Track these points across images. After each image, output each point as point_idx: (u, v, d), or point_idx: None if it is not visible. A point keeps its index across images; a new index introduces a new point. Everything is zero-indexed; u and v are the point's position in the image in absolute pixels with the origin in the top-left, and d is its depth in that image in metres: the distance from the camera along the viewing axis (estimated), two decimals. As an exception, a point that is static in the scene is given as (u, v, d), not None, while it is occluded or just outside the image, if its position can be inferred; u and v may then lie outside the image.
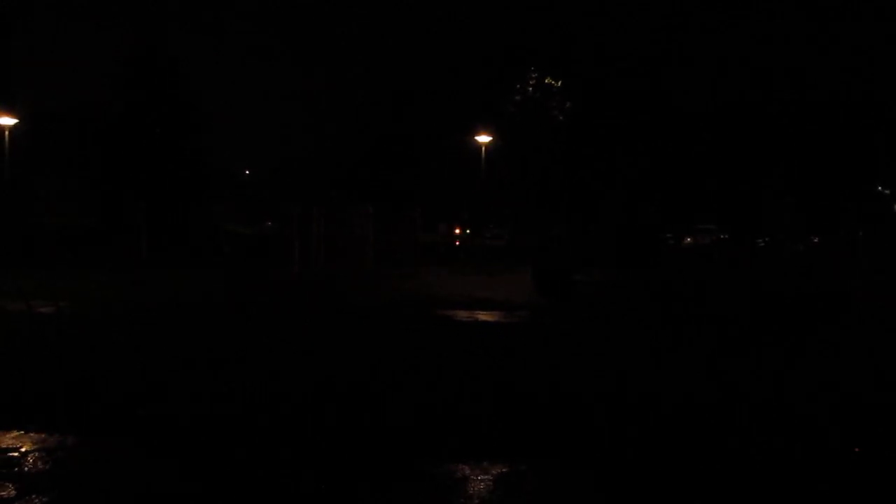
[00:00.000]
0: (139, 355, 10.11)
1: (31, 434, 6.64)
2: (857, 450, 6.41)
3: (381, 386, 8.39)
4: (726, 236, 49.64)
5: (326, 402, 7.71)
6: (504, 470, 5.83)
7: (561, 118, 42.09)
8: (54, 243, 33.63)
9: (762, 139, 43.11)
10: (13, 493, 5.33)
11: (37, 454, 6.15)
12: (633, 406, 7.57)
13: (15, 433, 6.66)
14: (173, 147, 39.48)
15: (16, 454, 6.14)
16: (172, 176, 38.78)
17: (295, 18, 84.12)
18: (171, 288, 19.98)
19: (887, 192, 45.02)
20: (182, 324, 13.49)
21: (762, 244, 46.71)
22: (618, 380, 8.76)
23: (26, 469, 5.82)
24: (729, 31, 40.31)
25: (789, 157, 42.32)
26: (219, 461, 6.09)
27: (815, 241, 44.99)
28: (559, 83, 42.06)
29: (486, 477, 5.69)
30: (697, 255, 39.70)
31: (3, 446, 6.33)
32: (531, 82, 42.54)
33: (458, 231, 50.90)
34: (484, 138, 36.06)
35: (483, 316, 15.10)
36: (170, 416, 7.17)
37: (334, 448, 6.33)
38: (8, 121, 30.88)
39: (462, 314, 15.26)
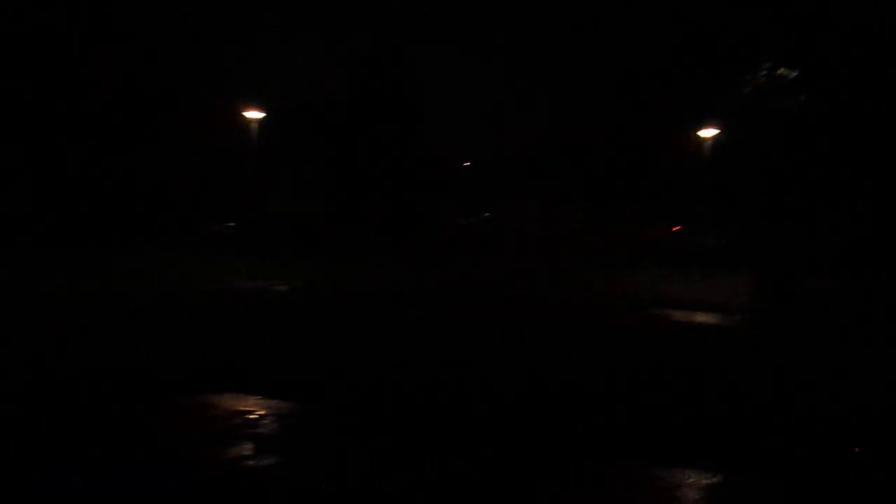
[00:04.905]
0: (366, 340, 10.82)
1: (267, 400, 7.33)
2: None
3: (591, 386, 8.40)
4: None
5: (534, 397, 7.85)
6: (704, 480, 5.67)
7: (795, 111, 39.22)
8: (290, 230, 36.51)
9: None
10: (250, 451, 5.94)
11: (271, 418, 6.79)
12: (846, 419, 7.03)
13: (253, 399, 7.39)
14: (399, 142, 41.39)
15: (254, 416, 6.81)
16: (398, 169, 40.70)
17: (515, 10, 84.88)
18: (393, 276, 21.13)
19: None
20: (399, 310, 14.21)
21: None
22: (833, 392, 8.16)
23: (262, 431, 6.45)
24: None
25: None
26: (433, 439, 6.40)
27: None
28: (794, 73, 39.19)
29: (686, 484, 5.56)
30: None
31: (244, 408, 7.04)
32: (763, 73, 40.04)
33: (675, 229, 49.13)
34: (708, 132, 34.53)
35: (700, 317, 14.56)
36: (392, 392, 7.62)
37: (539, 442, 6.45)
38: (256, 114, 33.75)
39: (677, 315, 14.81)
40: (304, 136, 45.01)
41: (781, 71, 38.80)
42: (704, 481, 5.54)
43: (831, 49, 35.60)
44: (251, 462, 5.70)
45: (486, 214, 56.89)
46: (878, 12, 33.17)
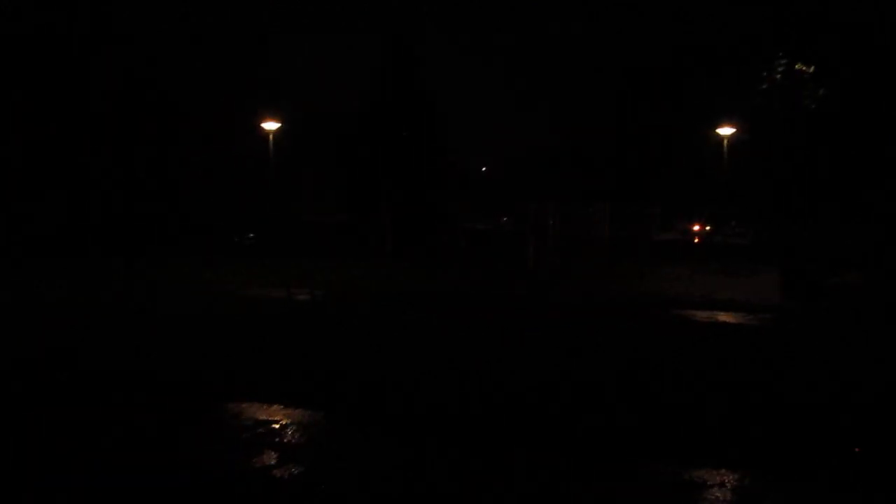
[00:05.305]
0: (381, 345, 10.81)
1: (289, 409, 7.35)
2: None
3: (609, 387, 8.34)
4: None
5: (551, 397, 7.81)
6: (710, 479, 5.61)
7: (813, 107, 38.80)
8: (310, 236, 36.62)
9: None
10: (274, 461, 5.94)
11: (294, 427, 6.80)
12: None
13: (276, 407, 7.40)
14: (415, 147, 41.34)
15: (277, 426, 6.82)
16: (415, 175, 40.66)
17: (528, 14, 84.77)
18: (413, 281, 21.10)
19: None
20: (424, 315, 14.18)
21: None
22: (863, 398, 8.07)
23: (285, 440, 6.45)
24: None
25: None
26: (456, 446, 6.38)
27: None
28: (811, 69, 38.75)
29: (711, 485, 5.50)
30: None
31: (267, 418, 7.06)
32: (779, 69, 39.66)
33: (697, 228, 48.95)
34: (726, 130, 34.31)
35: (723, 317, 14.42)
36: (413, 403, 7.61)
37: (560, 442, 6.41)
38: (272, 125, 33.93)
39: (700, 315, 14.67)
40: (319, 141, 45.15)
41: (799, 66, 38.32)
42: (710, 480, 5.50)
43: (831, 49, 35.18)
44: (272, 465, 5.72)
45: (505, 219, 56.86)
46: (878, 12, 32.74)
